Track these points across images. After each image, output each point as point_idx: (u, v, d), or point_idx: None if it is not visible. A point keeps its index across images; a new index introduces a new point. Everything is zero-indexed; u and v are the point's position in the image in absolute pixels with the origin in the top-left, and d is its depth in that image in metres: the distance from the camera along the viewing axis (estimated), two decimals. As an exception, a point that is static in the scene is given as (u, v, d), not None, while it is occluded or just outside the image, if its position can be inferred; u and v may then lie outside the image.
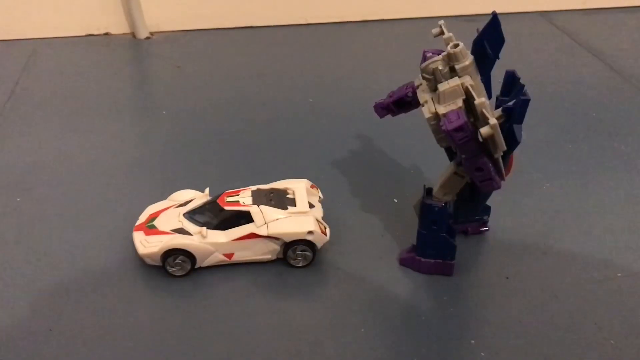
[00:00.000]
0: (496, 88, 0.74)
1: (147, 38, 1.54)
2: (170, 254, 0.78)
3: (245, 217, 0.79)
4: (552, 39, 1.53)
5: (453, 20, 0.74)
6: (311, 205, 0.83)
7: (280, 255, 0.81)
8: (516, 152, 0.73)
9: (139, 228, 0.82)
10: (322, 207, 0.86)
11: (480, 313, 0.76)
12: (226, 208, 0.80)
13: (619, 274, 0.81)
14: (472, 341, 0.72)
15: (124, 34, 1.56)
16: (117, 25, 1.55)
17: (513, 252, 0.84)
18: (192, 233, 0.79)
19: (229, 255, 0.80)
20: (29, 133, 1.12)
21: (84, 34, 1.55)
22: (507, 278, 0.80)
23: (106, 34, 1.56)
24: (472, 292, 0.78)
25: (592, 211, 0.92)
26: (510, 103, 0.67)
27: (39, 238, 0.86)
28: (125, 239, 0.84)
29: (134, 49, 1.50)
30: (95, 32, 1.55)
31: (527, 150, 1.03)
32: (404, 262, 0.82)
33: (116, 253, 0.83)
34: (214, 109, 1.21)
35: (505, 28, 0.68)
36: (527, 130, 0.71)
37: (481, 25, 0.70)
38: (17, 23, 1.50)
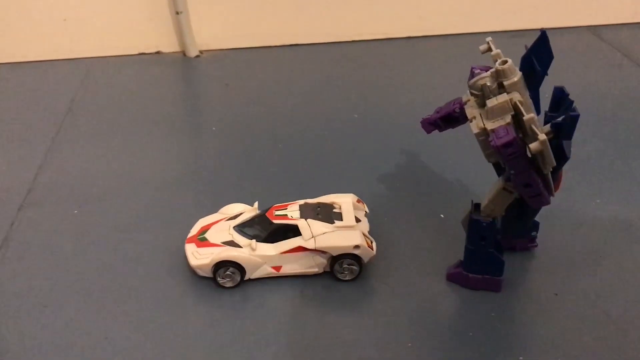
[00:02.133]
0: (545, 104, 0.74)
1: (197, 56, 1.58)
2: (221, 265, 0.80)
3: (293, 231, 0.81)
4: (601, 54, 1.51)
5: (500, 35, 0.75)
6: (357, 220, 0.84)
7: (327, 269, 0.82)
8: (565, 168, 0.73)
9: (191, 240, 0.85)
10: (369, 221, 0.86)
11: (528, 329, 0.75)
12: (275, 221, 0.82)
13: (673, 293, 0.79)
14: (520, 358, 0.71)
15: (174, 52, 1.61)
16: (168, 44, 1.60)
17: (562, 268, 0.83)
18: (241, 245, 0.81)
19: (277, 268, 0.82)
20: (86, 148, 1.16)
21: (136, 53, 1.60)
22: (556, 295, 0.79)
23: (157, 52, 1.61)
24: (520, 309, 0.78)
25: (644, 228, 0.90)
26: (559, 119, 0.67)
27: (95, 249, 0.90)
28: (178, 251, 0.86)
29: (184, 67, 1.54)
30: (147, 51, 1.61)
31: (577, 166, 1.02)
32: (451, 278, 0.82)
33: (169, 264, 0.86)
34: (261, 125, 1.24)
35: (553, 43, 0.68)
36: (577, 146, 0.71)
37: (528, 40, 0.70)
38: (74, 43, 1.56)
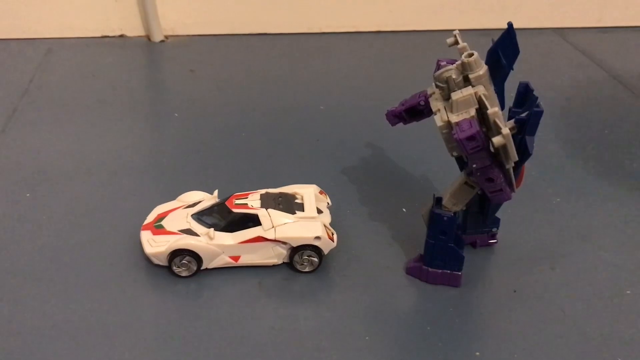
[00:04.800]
0: (509, 101, 0.74)
1: (162, 41, 1.55)
2: (177, 254, 0.78)
3: (253, 220, 0.79)
4: (565, 56, 1.53)
5: (468, 33, 0.74)
6: (319, 211, 0.83)
7: (287, 260, 0.81)
8: (527, 165, 0.73)
9: (147, 227, 0.82)
10: (330, 213, 0.85)
11: (486, 325, 0.75)
12: (234, 210, 0.80)
13: (628, 292, 0.80)
14: (477, 353, 0.71)
15: (139, 36, 1.57)
16: (132, 28, 1.56)
17: (521, 265, 0.84)
18: (199, 234, 0.79)
19: (236, 258, 0.80)
20: (41, 130, 1.12)
21: (99, 35, 1.56)
22: (515, 291, 0.79)
23: (121, 36, 1.57)
24: (478, 304, 0.78)
25: (601, 227, 0.91)
26: (523, 114, 0.67)
27: (46, 234, 0.87)
28: (133, 238, 0.84)
29: (149, 52, 1.51)
30: (111, 34, 1.56)
31: (539, 164, 1.03)
32: (410, 272, 0.81)
33: (123, 252, 0.83)
34: (225, 113, 1.22)
35: (520, 43, 0.68)
36: (539, 145, 0.71)
37: (495, 38, 0.70)
38: (34, 22, 1.51)
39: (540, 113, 0.66)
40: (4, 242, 0.85)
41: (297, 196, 0.84)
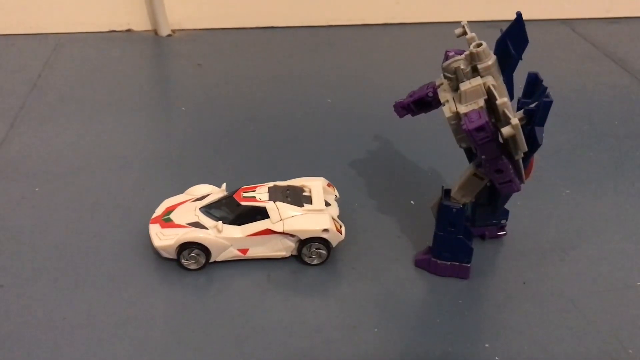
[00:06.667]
0: (518, 92, 0.73)
1: (169, 35, 1.55)
2: (186, 247, 0.78)
3: (261, 213, 0.79)
4: (574, 47, 1.52)
5: (476, 25, 0.74)
6: (327, 204, 0.83)
7: (295, 253, 0.81)
8: (536, 157, 0.72)
9: (155, 221, 0.82)
10: (339, 206, 0.85)
11: (495, 317, 0.75)
12: (242, 203, 0.80)
13: (639, 283, 0.79)
14: (487, 345, 0.71)
15: (146, 30, 1.57)
16: (139, 22, 1.56)
17: (530, 257, 0.83)
18: (207, 227, 0.79)
19: (244, 251, 0.80)
20: (50, 125, 1.13)
21: (106, 30, 1.56)
22: (524, 283, 0.79)
23: (128, 30, 1.57)
24: (487, 296, 0.77)
25: (611, 219, 0.91)
26: (533, 105, 0.67)
27: (55, 228, 0.87)
28: (141, 231, 0.84)
29: (156, 46, 1.51)
30: (118, 29, 1.57)
31: (548, 156, 1.02)
32: (419, 264, 0.81)
33: (132, 245, 0.84)
34: (233, 106, 1.22)
35: (528, 35, 0.68)
36: (548, 136, 0.70)
37: (504, 28, 0.69)
38: (42, 17, 1.52)
39: (550, 103, 0.66)
40: (13, 236, 0.85)
41: (305, 189, 0.84)
